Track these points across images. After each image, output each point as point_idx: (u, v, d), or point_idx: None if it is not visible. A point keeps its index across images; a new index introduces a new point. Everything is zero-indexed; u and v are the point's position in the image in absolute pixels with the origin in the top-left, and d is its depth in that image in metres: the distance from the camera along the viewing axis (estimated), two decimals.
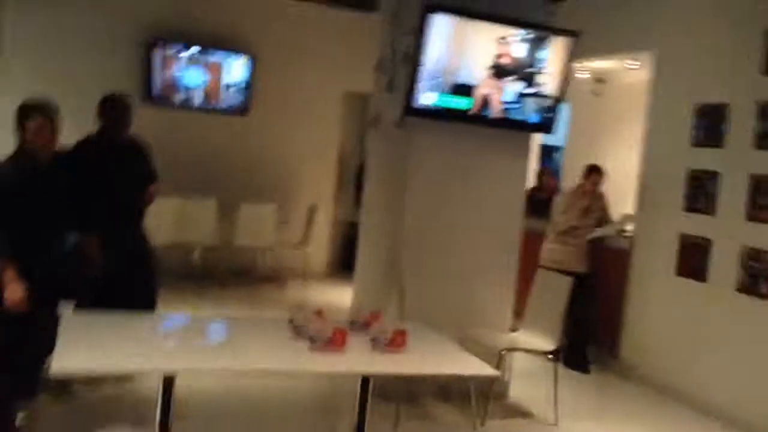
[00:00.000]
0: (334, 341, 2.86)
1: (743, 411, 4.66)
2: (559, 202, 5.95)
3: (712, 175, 5.11)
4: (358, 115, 8.43)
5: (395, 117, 4.54)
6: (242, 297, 7.06)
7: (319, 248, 8.24)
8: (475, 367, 2.95)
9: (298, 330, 3.02)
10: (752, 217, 4.77)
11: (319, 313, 3.14)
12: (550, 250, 5.82)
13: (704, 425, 4.77)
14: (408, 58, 4.36)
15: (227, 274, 7.39)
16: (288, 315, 3.16)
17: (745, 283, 4.77)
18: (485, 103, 4.47)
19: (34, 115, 3.29)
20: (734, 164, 4.94)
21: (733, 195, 4.93)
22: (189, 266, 7.23)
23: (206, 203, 7.10)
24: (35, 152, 3.30)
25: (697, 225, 5.21)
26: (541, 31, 4.51)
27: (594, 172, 5.82)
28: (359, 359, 2.86)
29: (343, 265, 8.64)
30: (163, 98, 7.39)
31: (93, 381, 4.07)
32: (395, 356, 2.91)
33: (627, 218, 6.18)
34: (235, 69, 7.68)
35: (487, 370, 2.88)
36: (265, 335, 3.13)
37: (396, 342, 2.93)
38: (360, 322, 3.21)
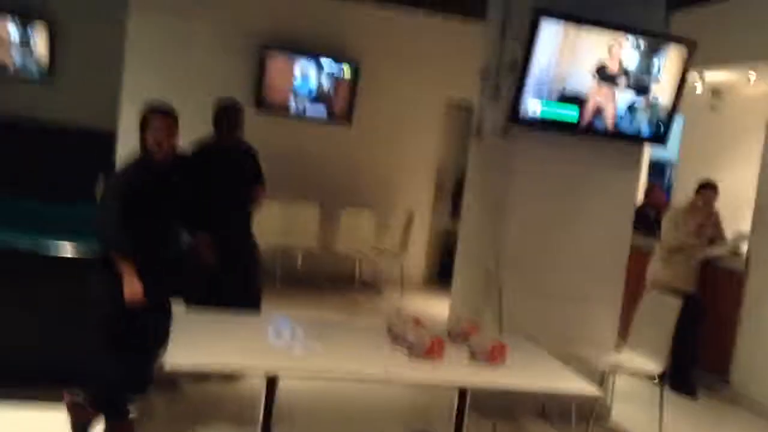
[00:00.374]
0: (432, 350, 2.85)
1: None
2: (669, 219, 5.68)
3: None
4: (460, 124, 8.39)
5: (499, 126, 4.49)
6: (340, 303, 7.16)
7: (416, 257, 8.25)
8: (577, 385, 2.86)
9: (396, 337, 3.03)
10: None
11: (417, 321, 3.14)
12: (658, 269, 5.57)
13: None
14: (514, 66, 4.30)
15: (327, 279, 7.53)
16: (386, 322, 3.18)
17: None
18: (597, 113, 4.35)
19: (156, 118, 3.45)
20: None
21: None
22: (292, 270, 7.42)
23: (309, 208, 7.27)
24: (157, 155, 3.46)
25: None
26: (655, 38, 4.35)
27: (707, 188, 5.52)
28: (457, 370, 2.83)
29: (440, 274, 8.62)
30: (272, 105, 7.61)
31: (201, 378, 4.23)
32: (494, 369, 2.87)
33: (741, 237, 5.83)
34: (340, 77, 7.82)
35: (589, 389, 2.78)
36: (363, 341, 3.16)
37: (495, 355, 2.89)
38: (458, 333, 3.18)
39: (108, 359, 3.44)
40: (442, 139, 8.41)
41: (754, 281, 5.42)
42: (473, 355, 2.90)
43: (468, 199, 5.02)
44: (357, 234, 7.31)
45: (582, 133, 4.38)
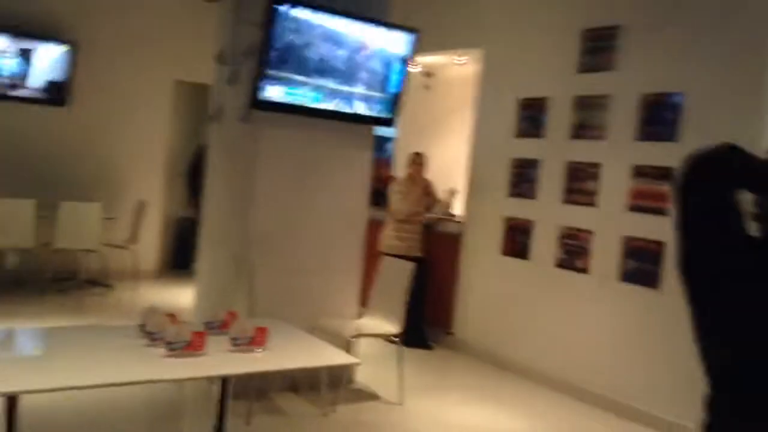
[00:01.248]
0: (194, 345, 2.79)
1: (566, 374, 5.16)
2: (394, 192, 6.18)
3: (534, 163, 5.57)
4: (190, 107, 8.14)
5: (239, 111, 4.46)
6: (67, 304, 6.57)
7: (149, 247, 7.86)
8: (339, 357, 3.02)
9: (152, 336, 2.90)
10: (567, 200, 5.28)
11: (171, 316, 3.03)
12: (390, 237, 6.04)
13: (533, 391, 5.22)
14: (252, 50, 4.29)
15: (48, 280, 6.81)
16: (138, 321, 3.03)
17: (563, 259, 5.27)
18: (333, 97, 4.53)
19: None
20: (552, 153, 5.42)
21: (551, 181, 5.41)
22: (4, 273, 6.61)
23: (22, 204, 6.49)
24: None
25: (520, 209, 5.66)
26: (383, 26, 4.65)
27: (417, 156, 6.16)
28: (221, 361, 2.81)
29: (175, 263, 8.34)
30: None
31: None
32: (258, 354, 2.90)
33: (451, 193, 6.58)
34: (52, 57, 7.08)
35: (349, 359, 2.96)
36: (115, 344, 2.96)
37: (257, 340, 2.92)
38: (217, 323, 3.14)
39: None
40: (172, 123, 8.06)
41: (469, 242, 6.14)
42: (235, 343, 2.90)
43: (211, 184, 4.92)
44: (81, 228, 6.71)
45: (318, 116, 4.54)
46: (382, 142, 9.78)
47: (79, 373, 2.61)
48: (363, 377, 4.95)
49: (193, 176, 7.76)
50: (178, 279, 7.82)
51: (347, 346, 4.20)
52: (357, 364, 2.89)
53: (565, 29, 5.38)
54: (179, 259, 8.39)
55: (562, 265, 5.27)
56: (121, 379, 2.62)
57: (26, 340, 3.24)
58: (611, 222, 4.93)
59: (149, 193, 7.70)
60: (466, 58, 6.95)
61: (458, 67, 7.47)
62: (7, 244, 6.49)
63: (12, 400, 2.54)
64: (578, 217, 5.18)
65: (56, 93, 7.16)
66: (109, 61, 7.44)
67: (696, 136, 4.44)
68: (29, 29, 6.92)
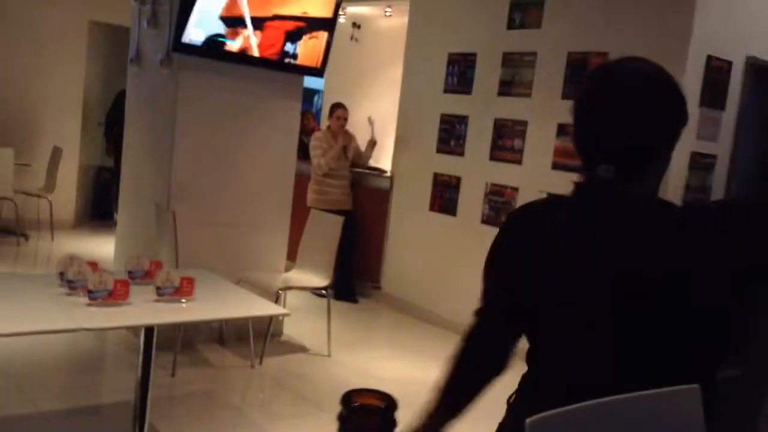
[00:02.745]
0: (117, 294, 2.71)
1: None
2: (316, 146, 6.04)
3: (462, 119, 5.62)
4: (107, 50, 7.76)
5: (160, 54, 4.28)
6: None
7: (65, 196, 7.54)
8: (266, 308, 3.00)
9: (72, 284, 2.80)
10: (494, 157, 5.37)
11: (93, 264, 2.93)
12: (315, 191, 5.99)
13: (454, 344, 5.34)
14: None
15: None
16: (58, 269, 2.91)
17: (489, 215, 5.38)
18: (259, 44, 4.41)
19: None
20: (480, 109, 5.47)
21: (479, 137, 5.48)
22: None
23: None
24: None
25: (448, 165, 5.72)
26: None
27: (338, 109, 6.04)
28: (146, 310, 2.74)
29: (94, 213, 8.06)
30: None
31: None
32: (184, 305, 2.85)
33: (371, 145, 6.36)
34: None
35: (278, 309, 2.95)
36: (33, 293, 2.85)
37: (184, 290, 2.86)
38: (140, 272, 3.07)
39: None
40: (88, 66, 7.67)
41: (397, 198, 6.18)
42: (160, 293, 2.83)
43: (130, 131, 4.74)
44: None
45: (246, 63, 4.41)
46: (310, 94, 9.67)
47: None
48: (291, 330, 4.96)
49: (112, 125, 7.45)
50: (96, 230, 7.57)
51: (275, 299, 4.19)
52: (286, 315, 2.88)
53: None
54: (98, 210, 8.11)
55: (489, 221, 5.37)
56: (39, 328, 2.53)
57: None
58: (537, 179, 5.05)
59: (65, 141, 7.34)
60: (391, 9, 6.88)
61: (387, 19, 7.40)
62: None
63: None
64: (505, 174, 5.28)
65: None
66: (19, 1, 6.98)
67: None
68: None
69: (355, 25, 7.84)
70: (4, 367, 3.81)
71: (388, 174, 6.37)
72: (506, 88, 5.29)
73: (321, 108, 8.80)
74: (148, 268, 3.08)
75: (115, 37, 7.32)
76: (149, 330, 2.93)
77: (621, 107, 1.24)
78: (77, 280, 2.79)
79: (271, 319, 4.46)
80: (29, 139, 7.20)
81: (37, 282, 3.02)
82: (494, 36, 5.37)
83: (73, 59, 7.49)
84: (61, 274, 2.87)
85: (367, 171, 6.44)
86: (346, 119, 6.03)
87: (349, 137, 6.09)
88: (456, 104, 5.65)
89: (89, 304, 2.65)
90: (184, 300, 2.87)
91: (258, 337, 4.42)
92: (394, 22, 7.53)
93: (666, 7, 4.44)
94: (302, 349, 4.79)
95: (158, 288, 2.84)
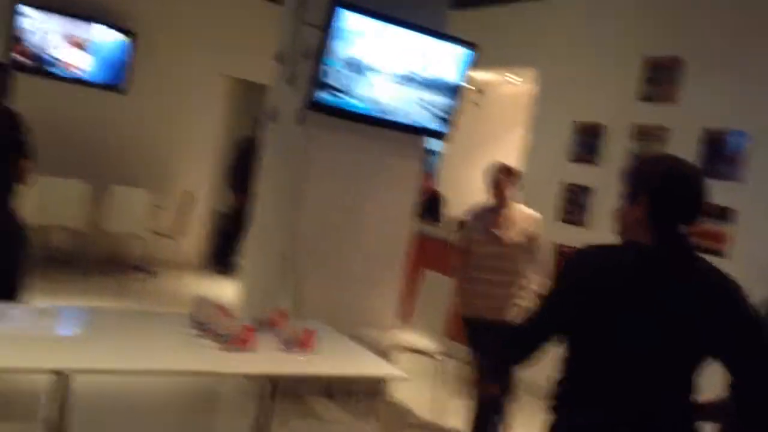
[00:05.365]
0: (244, 340, 2.79)
1: None
2: (471, 228, 4.12)
3: (587, 190, 5.50)
4: (242, 104, 8.23)
5: (295, 112, 4.49)
6: (110, 286, 6.67)
7: (194, 239, 7.95)
8: (384, 368, 3.00)
9: (202, 327, 2.92)
10: None
11: (221, 308, 3.04)
12: (472, 293, 4.07)
13: None
14: (311, 52, 4.33)
15: (95, 262, 6.94)
16: (189, 310, 3.05)
17: None
18: (386, 105, 4.54)
19: None
20: (608, 181, 5.34)
21: (605, 210, 5.32)
22: (54, 252, 6.74)
23: (75, 184, 6.63)
24: None
25: (571, 235, 5.58)
26: (443, 39, 4.64)
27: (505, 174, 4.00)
28: (271, 359, 2.81)
29: (217, 257, 8.41)
30: (28, 67, 6.80)
31: None
32: (305, 356, 2.89)
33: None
34: (112, 43, 7.24)
35: (396, 372, 2.93)
36: (165, 331, 2.99)
37: (306, 343, 2.91)
38: (265, 320, 3.15)
39: None
40: (224, 118, 8.16)
41: None
42: (284, 343, 2.90)
43: (262, 183, 4.96)
44: (130, 214, 6.83)
45: (373, 123, 4.55)
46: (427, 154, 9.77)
47: (128, 356, 2.63)
48: (399, 391, 4.90)
49: (235, 170, 7.80)
50: (218, 273, 7.89)
51: (384, 357, 4.16)
52: (404, 379, 2.86)
53: (626, 54, 5.31)
54: (221, 254, 8.46)
55: None
56: (173, 367, 2.63)
57: (74, 318, 3.27)
58: None
59: (197, 186, 7.79)
60: (518, 77, 6.91)
61: (510, 86, 7.43)
62: (57, 222, 6.62)
63: (63, 378, 2.56)
64: None
65: (114, 79, 7.29)
66: (167, 52, 7.55)
67: (760, 176, 4.34)
68: (91, 14, 7.07)
69: (478, 90, 7.92)
70: (131, 401, 3.98)
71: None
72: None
73: (436, 168, 8.86)
74: (273, 316, 3.17)
75: (250, 92, 7.77)
76: (271, 379, 2.99)
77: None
78: (207, 323, 2.91)
79: (383, 379, 4.43)
80: (165, 182, 7.68)
81: (168, 321, 3.16)
82: (623, 107, 5.28)
83: (209, 110, 7.99)
84: (192, 316, 2.99)
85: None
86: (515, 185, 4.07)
87: (530, 221, 4.06)
88: (581, 174, 5.55)
89: (219, 348, 2.75)
90: (305, 352, 2.91)
91: (365, 393, 4.40)
92: (516, 88, 7.55)
93: None
94: (408, 412, 4.72)
95: (284, 339, 2.90)
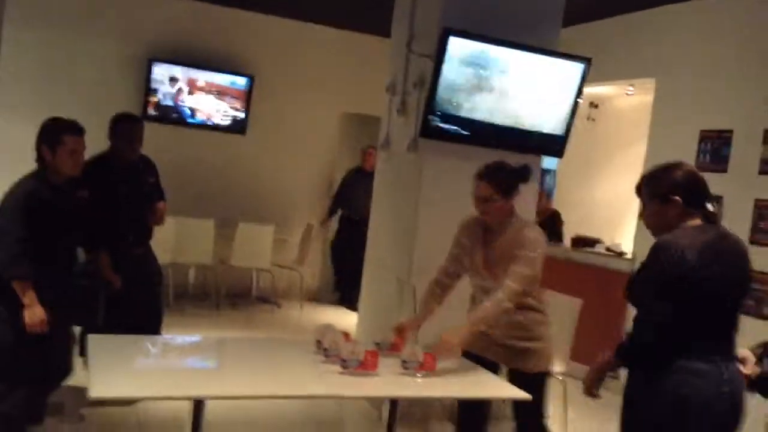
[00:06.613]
0: (368, 364, 2.84)
1: None
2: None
3: (716, 199, 5.19)
4: (355, 136, 8.44)
5: (407, 140, 4.56)
6: (239, 318, 6.99)
7: (313, 269, 8.19)
8: (507, 390, 2.95)
9: (327, 353, 2.99)
10: (755, 240, 4.86)
11: (346, 335, 3.11)
12: None
13: None
14: (422, 81, 4.40)
15: (222, 295, 7.31)
16: (315, 337, 3.13)
17: (749, 306, 4.83)
18: (499, 126, 4.52)
19: (71, 139, 3.27)
20: (738, 189, 5.03)
21: (736, 219, 5.00)
22: (185, 286, 7.15)
23: (203, 222, 7.03)
24: (62, 172, 3.27)
25: None
26: (554, 56, 4.58)
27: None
28: (393, 382, 2.84)
29: (334, 286, 8.59)
30: (160, 117, 7.33)
31: (98, 402, 3.97)
32: (427, 379, 2.90)
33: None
34: (234, 87, 7.67)
35: (520, 393, 2.87)
36: (292, 358, 3.09)
37: (427, 365, 2.92)
38: (386, 345, 3.19)
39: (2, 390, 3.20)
40: (339, 151, 8.41)
41: None
42: (406, 366, 2.92)
43: (376, 211, 5.05)
44: (254, 248, 7.14)
45: (488, 145, 4.53)
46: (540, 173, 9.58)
47: (260, 383, 2.74)
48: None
49: (338, 202, 7.90)
50: (337, 300, 8.07)
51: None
52: (528, 400, 2.80)
53: (752, 53, 5.01)
54: (337, 282, 8.63)
55: (749, 312, 4.82)
56: (301, 392, 2.72)
57: (209, 349, 3.45)
58: None
59: (312, 218, 8.04)
60: (633, 88, 6.68)
61: (626, 98, 7.20)
62: (190, 260, 7.02)
63: (199, 404, 2.70)
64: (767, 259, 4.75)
65: (236, 122, 7.71)
66: (283, 93, 7.91)
67: None
68: (214, 63, 7.52)
69: (593, 105, 7.73)
70: (262, 426, 4.12)
71: (629, 256, 6.04)
72: None
73: (551, 188, 8.68)
74: (394, 340, 3.20)
75: (363, 125, 7.96)
76: (394, 402, 3.01)
77: None
78: (332, 349, 2.97)
79: (505, 401, 4.34)
80: (287, 216, 7.98)
81: (295, 348, 3.26)
82: (754, 112, 4.97)
83: (325, 145, 8.27)
84: (318, 342, 3.08)
85: (604, 253, 6.16)
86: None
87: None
88: (709, 183, 5.24)
89: (341, 373, 2.81)
90: (425, 375, 2.91)
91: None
92: (633, 101, 7.29)
93: None
94: None
95: (404, 361, 2.92)
